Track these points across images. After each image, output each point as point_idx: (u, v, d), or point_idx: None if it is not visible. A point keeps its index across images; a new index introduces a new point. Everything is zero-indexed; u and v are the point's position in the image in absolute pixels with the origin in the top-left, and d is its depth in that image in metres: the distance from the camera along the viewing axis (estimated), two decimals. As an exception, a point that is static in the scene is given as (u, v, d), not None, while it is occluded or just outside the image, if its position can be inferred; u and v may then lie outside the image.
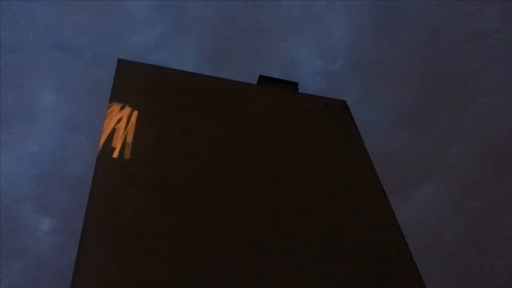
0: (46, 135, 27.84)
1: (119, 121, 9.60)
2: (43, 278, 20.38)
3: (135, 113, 9.90)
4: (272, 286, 7.69)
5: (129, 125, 9.59)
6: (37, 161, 27.25)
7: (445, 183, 26.18)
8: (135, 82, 10.91)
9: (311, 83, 30.69)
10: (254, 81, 13.64)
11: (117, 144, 9.09)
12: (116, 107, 9.88)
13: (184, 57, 32.12)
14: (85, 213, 7.57)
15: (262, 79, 13.41)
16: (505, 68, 26.27)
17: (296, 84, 13.73)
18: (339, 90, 29.35)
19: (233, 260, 7.84)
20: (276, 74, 29.16)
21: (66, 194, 23.58)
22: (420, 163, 26.03)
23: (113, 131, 9.31)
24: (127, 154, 8.92)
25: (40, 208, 24.58)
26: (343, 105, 13.05)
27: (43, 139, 27.67)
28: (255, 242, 8.29)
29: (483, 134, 25.48)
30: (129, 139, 9.29)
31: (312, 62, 33.50)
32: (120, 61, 11.33)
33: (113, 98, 10.07)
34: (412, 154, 26.47)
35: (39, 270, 21.35)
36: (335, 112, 12.72)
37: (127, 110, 9.90)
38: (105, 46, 30.09)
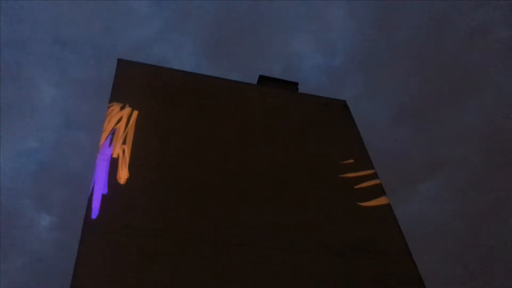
0: (46, 130, 27.83)
1: (119, 121, 9.60)
2: (42, 274, 20.45)
3: (135, 113, 9.89)
4: (272, 286, 7.71)
5: (129, 125, 9.59)
6: (37, 156, 27.24)
7: (446, 181, 26.17)
8: (135, 82, 10.91)
9: (312, 78, 30.65)
10: (254, 76, 13.68)
11: (117, 144, 9.09)
12: (116, 107, 9.87)
13: (183, 52, 32.09)
14: (85, 213, 7.60)
15: (262, 79, 13.42)
16: (506, 64, 26.20)
17: (296, 84, 13.76)
18: (340, 85, 29.28)
19: (233, 260, 7.86)
20: (277, 69, 29.34)
21: (66, 190, 23.59)
22: (421, 161, 26.05)
23: (113, 131, 9.31)
24: (127, 154, 8.93)
25: (40, 204, 24.62)
26: (343, 105, 13.06)
27: (43, 134, 27.66)
28: (255, 242, 8.31)
29: (485, 131, 25.43)
30: (129, 139, 9.29)
31: (312, 58, 33.46)
32: (120, 61, 11.32)
33: (113, 98, 10.07)
34: (413, 151, 26.47)
35: (38, 267, 21.41)
36: (335, 112, 12.72)
37: (127, 110, 9.89)
38: (104, 41, 30.03)
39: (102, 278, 6.87)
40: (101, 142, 9.03)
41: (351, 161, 11.03)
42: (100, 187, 8.12)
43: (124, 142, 9.16)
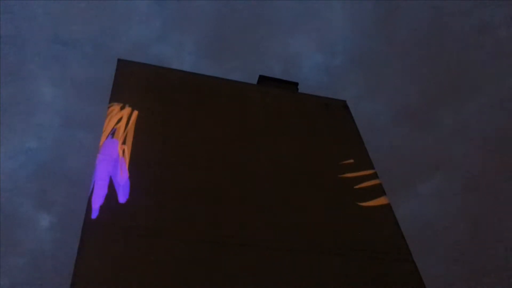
0: (45, 129, 27.69)
1: (119, 121, 9.59)
2: (42, 274, 20.41)
3: (135, 113, 9.89)
4: (272, 286, 7.72)
5: (129, 125, 9.59)
6: (36, 156, 27.16)
7: (447, 180, 26.13)
8: (135, 82, 10.91)
9: (312, 78, 30.61)
10: (254, 76, 13.71)
11: (117, 144, 9.09)
12: (116, 107, 9.87)
13: (183, 51, 32.06)
14: (85, 213, 7.61)
15: (262, 79, 13.44)
16: (507, 63, 26.15)
17: (296, 84, 13.78)
18: (340, 85, 29.25)
19: (233, 260, 7.86)
20: (277, 69, 29.35)
21: (66, 190, 23.53)
22: (421, 161, 26.00)
23: (113, 131, 9.31)
24: (126, 154, 8.92)
25: (39, 203, 24.55)
26: (343, 105, 13.08)
27: (42, 133, 27.56)
28: (255, 242, 8.32)
29: (485, 130, 25.41)
30: (129, 139, 9.28)
31: (312, 58, 33.45)
32: (120, 61, 11.33)
33: (113, 98, 10.08)
34: (413, 151, 26.42)
35: (38, 266, 21.37)
36: (335, 112, 12.73)
37: (127, 110, 9.89)
38: (104, 40, 30.00)
39: (102, 278, 6.87)
40: (101, 142, 9.04)
41: (351, 161, 11.03)
42: (100, 187, 8.12)
43: (124, 142, 9.16)
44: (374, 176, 10.84)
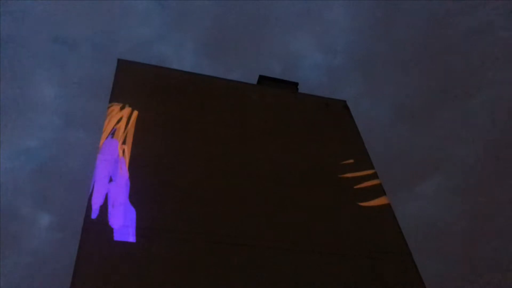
0: (45, 129, 27.74)
1: (119, 121, 9.59)
2: (42, 274, 20.39)
3: (135, 113, 9.89)
4: (272, 286, 7.72)
5: (129, 125, 9.59)
6: (36, 156, 27.17)
7: (446, 180, 26.16)
8: (135, 82, 10.91)
9: (312, 78, 30.62)
10: (254, 76, 13.71)
11: (117, 144, 9.09)
12: (116, 107, 9.87)
13: (184, 51, 32.07)
14: (85, 213, 7.60)
15: (262, 79, 13.43)
16: (506, 63, 26.17)
17: (296, 84, 13.78)
18: (340, 84, 29.27)
19: (234, 260, 7.86)
20: (277, 68, 29.40)
21: (65, 190, 23.52)
22: (421, 161, 26.01)
23: (113, 131, 9.31)
24: (127, 154, 8.92)
25: (39, 203, 24.55)
26: (343, 105, 13.07)
27: (42, 133, 27.61)
28: (255, 242, 8.31)
29: (485, 130, 25.45)
30: (129, 139, 9.28)
31: (312, 57, 33.46)
32: (120, 61, 11.32)
33: (113, 98, 10.07)
34: (413, 151, 26.44)
35: (38, 266, 21.36)
36: (335, 112, 12.72)
37: (127, 110, 9.89)
38: (104, 39, 30.03)
39: (102, 278, 6.87)
40: (101, 142, 9.04)
41: (351, 161, 11.03)
42: (100, 187, 8.12)
43: (124, 142, 9.16)
44: (374, 176, 10.84)
